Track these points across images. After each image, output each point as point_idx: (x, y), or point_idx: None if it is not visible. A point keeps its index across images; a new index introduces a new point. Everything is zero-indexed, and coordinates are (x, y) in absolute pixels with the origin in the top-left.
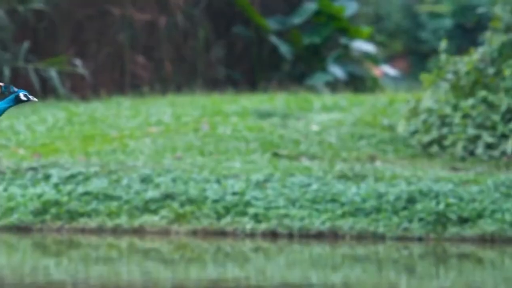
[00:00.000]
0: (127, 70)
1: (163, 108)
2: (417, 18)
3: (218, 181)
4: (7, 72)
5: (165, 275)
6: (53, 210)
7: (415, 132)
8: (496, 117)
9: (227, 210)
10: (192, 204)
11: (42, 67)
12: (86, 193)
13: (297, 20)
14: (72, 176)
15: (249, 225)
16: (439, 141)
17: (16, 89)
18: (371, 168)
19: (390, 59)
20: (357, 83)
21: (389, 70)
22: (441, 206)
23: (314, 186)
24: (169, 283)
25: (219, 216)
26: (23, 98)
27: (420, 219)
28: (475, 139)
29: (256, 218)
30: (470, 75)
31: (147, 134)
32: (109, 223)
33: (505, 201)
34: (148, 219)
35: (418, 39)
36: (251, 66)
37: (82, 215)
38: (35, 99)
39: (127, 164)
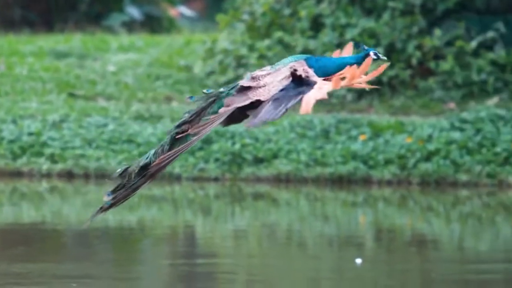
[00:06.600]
0: None
1: None
2: None
3: (14, 122)
4: None
5: None
6: None
7: (211, 73)
8: None
9: (23, 150)
10: None
11: None
12: None
13: None
14: None
15: (45, 165)
16: (235, 81)
17: (366, 47)
18: (167, 109)
19: (186, 0)
20: (154, 23)
21: (185, 10)
22: (237, 146)
23: (111, 127)
24: None
25: (15, 157)
26: (373, 56)
27: (216, 160)
28: None
29: (52, 158)
30: (266, 16)
31: None
32: None
33: (300, 141)
34: None
35: None
36: (47, 7)
37: None
38: (384, 57)
39: None
